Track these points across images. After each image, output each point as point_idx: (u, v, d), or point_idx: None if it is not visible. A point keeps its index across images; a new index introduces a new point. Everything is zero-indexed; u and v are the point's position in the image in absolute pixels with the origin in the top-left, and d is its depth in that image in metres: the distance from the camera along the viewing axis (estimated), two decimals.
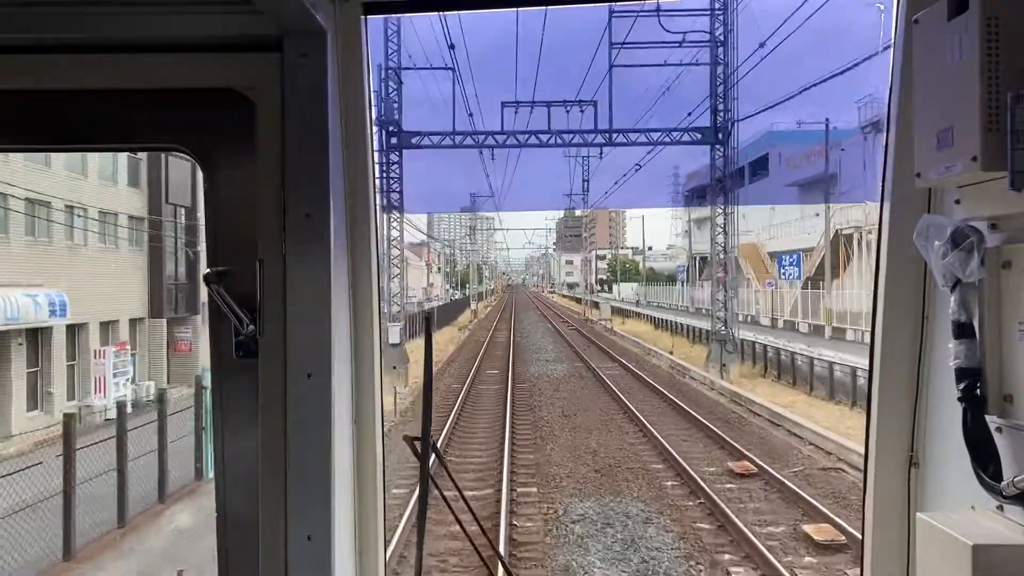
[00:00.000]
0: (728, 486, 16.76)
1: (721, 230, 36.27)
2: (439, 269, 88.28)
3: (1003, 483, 1.84)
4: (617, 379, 31.83)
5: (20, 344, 25.29)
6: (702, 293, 68.48)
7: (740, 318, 49.19)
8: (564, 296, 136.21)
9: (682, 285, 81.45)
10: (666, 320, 58.48)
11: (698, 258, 75.15)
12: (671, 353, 40.55)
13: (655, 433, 21.00)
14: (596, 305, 77.22)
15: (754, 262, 64.13)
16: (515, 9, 2.69)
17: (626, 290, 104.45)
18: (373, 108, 2.42)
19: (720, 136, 34.20)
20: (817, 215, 52.28)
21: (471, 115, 38.70)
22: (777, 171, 61.69)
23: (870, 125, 45.78)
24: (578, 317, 77.32)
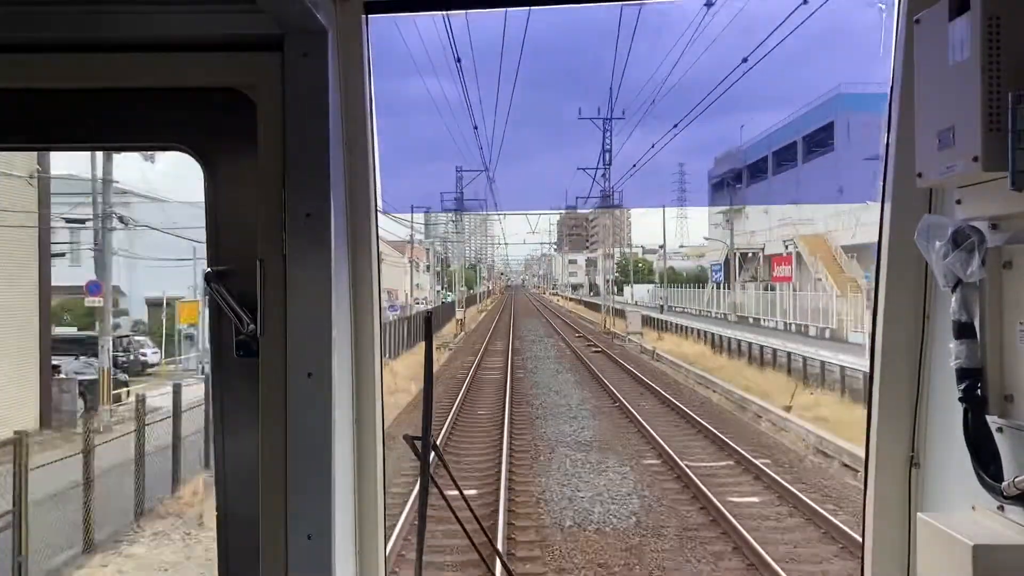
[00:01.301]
0: None
1: None
2: (427, 268, 75.38)
3: (1004, 483, 1.84)
4: (785, 542, 12.31)
5: None
6: (744, 297, 55.79)
7: (812, 332, 39.06)
8: (570, 299, 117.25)
9: (717, 287, 64.78)
10: (720, 337, 38.57)
11: (738, 255, 61.98)
12: (788, 409, 21.94)
13: None
14: (620, 313, 59.16)
15: (825, 259, 47.78)
16: (516, 8, 2.69)
17: (640, 292, 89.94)
18: (374, 108, 2.42)
19: None
20: None
21: None
22: (847, 144, 45.63)
23: None
24: (595, 329, 57.45)
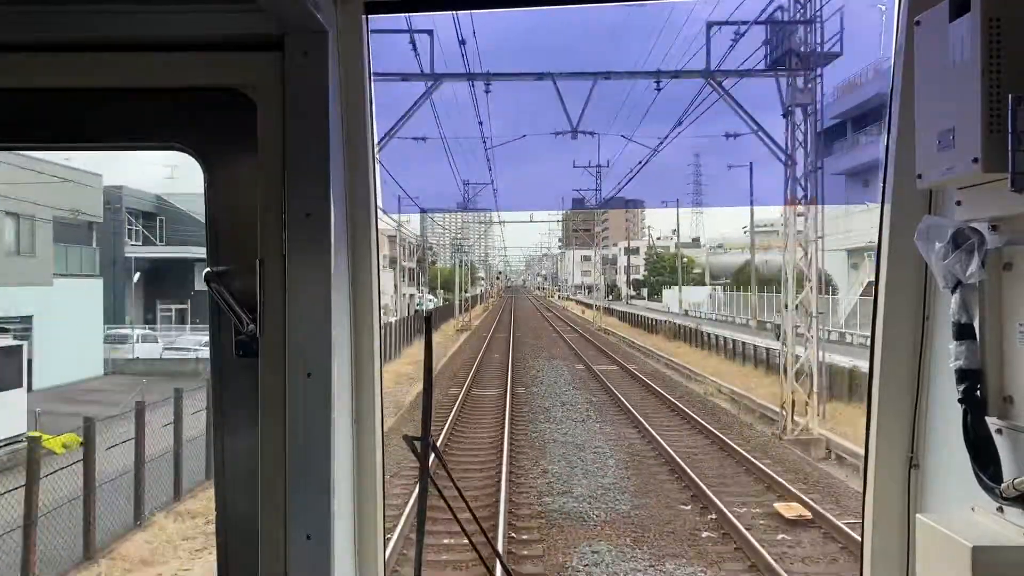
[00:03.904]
0: None
1: None
2: (393, 263, 53.72)
3: (1003, 485, 1.84)
4: None
5: None
6: None
7: None
8: (593, 307, 75.48)
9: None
10: None
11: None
12: None
13: None
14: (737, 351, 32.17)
15: None
16: (519, 9, 2.69)
17: (694, 296, 62.76)
18: (375, 107, 2.43)
19: None
20: None
21: None
22: None
23: None
24: (760, 430, 21.60)
